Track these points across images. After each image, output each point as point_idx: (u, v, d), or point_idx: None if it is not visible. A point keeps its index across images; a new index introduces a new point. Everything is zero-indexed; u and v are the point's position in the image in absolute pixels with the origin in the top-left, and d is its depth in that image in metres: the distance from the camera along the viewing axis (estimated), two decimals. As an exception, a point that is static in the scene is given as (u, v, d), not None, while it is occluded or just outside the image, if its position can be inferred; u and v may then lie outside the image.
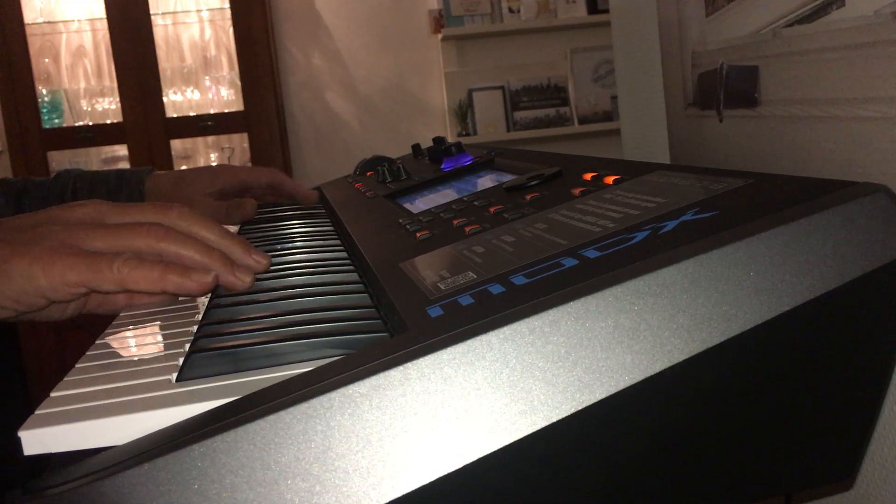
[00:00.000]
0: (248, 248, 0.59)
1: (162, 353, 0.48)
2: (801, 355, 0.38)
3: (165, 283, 0.54)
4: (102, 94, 3.17)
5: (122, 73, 3.00)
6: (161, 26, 3.15)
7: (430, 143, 1.08)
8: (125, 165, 3.14)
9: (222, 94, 3.22)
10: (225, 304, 0.58)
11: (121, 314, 0.62)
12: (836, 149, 0.53)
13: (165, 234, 0.55)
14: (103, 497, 0.33)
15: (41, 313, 0.57)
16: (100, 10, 3.02)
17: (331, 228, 0.90)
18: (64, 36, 3.17)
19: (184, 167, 3.20)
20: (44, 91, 3.11)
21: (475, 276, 0.44)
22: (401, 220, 0.68)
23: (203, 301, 0.61)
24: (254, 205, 1.03)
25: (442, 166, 0.93)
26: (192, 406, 0.38)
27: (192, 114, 3.17)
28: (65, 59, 3.19)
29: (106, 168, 3.19)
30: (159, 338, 0.53)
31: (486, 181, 0.81)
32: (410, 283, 0.48)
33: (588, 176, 0.60)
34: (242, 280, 0.57)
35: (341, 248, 0.76)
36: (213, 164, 3.26)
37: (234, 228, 0.97)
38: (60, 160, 3.16)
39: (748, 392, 0.38)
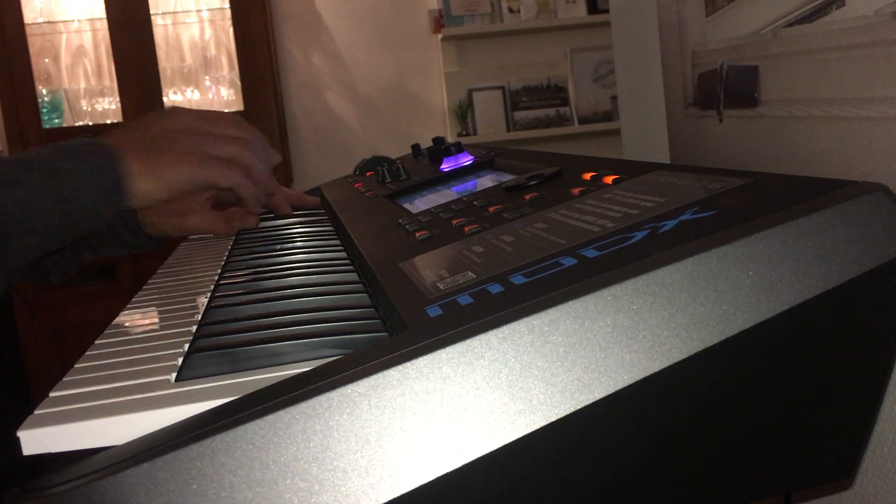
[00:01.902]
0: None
1: (161, 353, 0.48)
2: (800, 354, 0.38)
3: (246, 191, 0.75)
4: (102, 94, 3.16)
5: (122, 73, 3.00)
6: (161, 26, 3.15)
7: (430, 143, 1.08)
8: (125, 165, 3.13)
9: (222, 94, 3.21)
10: (225, 304, 0.58)
11: (120, 314, 0.62)
12: (835, 149, 0.53)
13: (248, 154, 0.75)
14: (103, 497, 0.33)
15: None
16: (100, 10, 3.01)
17: (330, 228, 0.90)
18: (64, 36, 3.17)
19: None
20: (44, 91, 3.10)
21: (474, 276, 0.44)
22: (400, 220, 0.68)
23: (203, 301, 0.61)
24: (256, 218, 1.01)
25: (441, 166, 0.93)
26: (192, 406, 0.38)
27: (192, 114, 3.16)
28: (65, 59, 3.18)
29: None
30: (159, 338, 0.53)
31: (485, 181, 0.81)
32: (410, 283, 0.47)
33: (587, 176, 0.60)
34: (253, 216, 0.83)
35: (341, 248, 0.76)
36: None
37: (231, 239, 0.97)
38: (60, 160, 3.16)
39: (747, 391, 0.38)
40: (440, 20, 3.24)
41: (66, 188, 0.62)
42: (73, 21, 3.16)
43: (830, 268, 0.37)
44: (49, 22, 3.13)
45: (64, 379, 0.45)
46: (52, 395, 0.42)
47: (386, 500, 0.34)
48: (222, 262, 0.78)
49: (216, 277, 0.70)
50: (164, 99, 3.08)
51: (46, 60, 3.15)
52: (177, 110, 0.77)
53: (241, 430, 0.33)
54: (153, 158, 0.68)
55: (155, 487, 0.33)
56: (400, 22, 3.32)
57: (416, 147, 1.18)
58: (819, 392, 0.39)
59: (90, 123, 3.12)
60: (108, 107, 3.16)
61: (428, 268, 0.50)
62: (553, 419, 0.34)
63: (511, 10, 3.26)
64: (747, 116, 0.64)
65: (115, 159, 0.66)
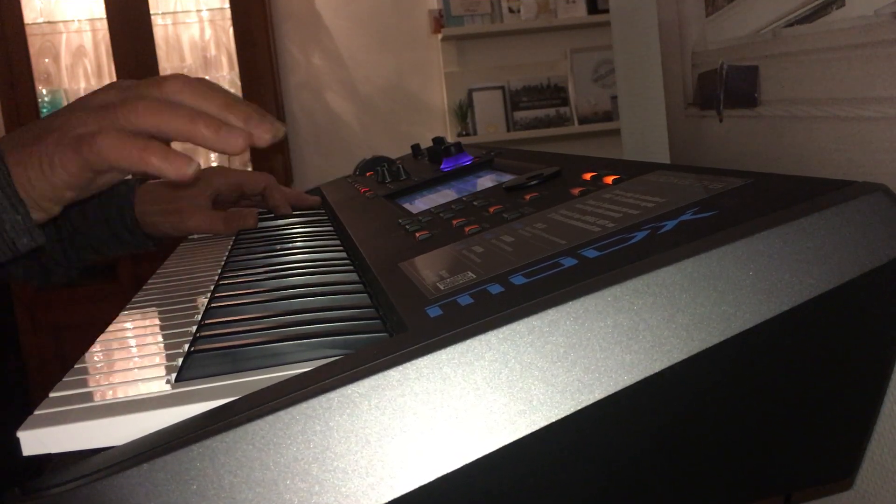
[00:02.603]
0: (253, 116, 0.55)
1: (161, 353, 0.48)
2: (800, 355, 0.38)
3: (146, 165, 0.53)
4: (102, 94, 3.16)
5: (122, 73, 3.00)
6: (161, 26, 3.15)
7: (430, 143, 1.08)
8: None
9: (222, 94, 3.21)
10: (224, 304, 0.58)
11: (120, 314, 0.62)
12: (836, 149, 0.53)
13: (154, 108, 0.54)
14: (102, 497, 0.33)
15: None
16: (100, 10, 3.02)
17: (330, 228, 0.90)
18: (64, 36, 3.17)
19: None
20: (44, 91, 3.10)
21: (474, 276, 0.44)
22: (400, 221, 0.68)
23: (203, 301, 0.61)
24: (255, 216, 1.01)
25: (441, 166, 0.93)
26: (191, 406, 0.38)
27: (192, 114, 3.17)
28: (65, 59, 3.19)
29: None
30: (159, 338, 0.53)
31: (485, 181, 0.81)
32: (410, 284, 0.47)
33: (587, 176, 0.60)
34: (228, 142, 0.53)
35: (341, 248, 0.76)
36: (213, 164, 3.26)
37: (231, 238, 0.97)
38: (60, 160, 3.16)
39: (747, 392, 0.38)
40: (440, 20, 3.24)
41: None
42: (73, 21, 3.16)
43: (831, 268, 0.37)
44: (49, 22, 3.13)
45: (64, 379, 0.45)
46: (52, 395, 0.42)
47: (386, 501, 0.34)
48: (222, 262, 0.78)
49: (216, 277, 0.70)
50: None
51: (46, 60, 3.15)
52: (97, 92, 0.59)
53: (241, 431, 0.33)
54: (27, 153, 0.55)
55: (155, 488, 0.33)
56: (400, 22, 3.32)
57: (416, 147, 1.18)
58: (819, 392, 0.39)
59: (90, 123, 3.12)
60: (108, 107, 3.15)
61: (428, 268, 0.50)
62: (553, 420, 0.34)
63: (511, 10, 3.26)
64: (747, 116, 0.64)
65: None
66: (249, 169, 3.06)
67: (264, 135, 0.54)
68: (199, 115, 0.54)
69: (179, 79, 0.56)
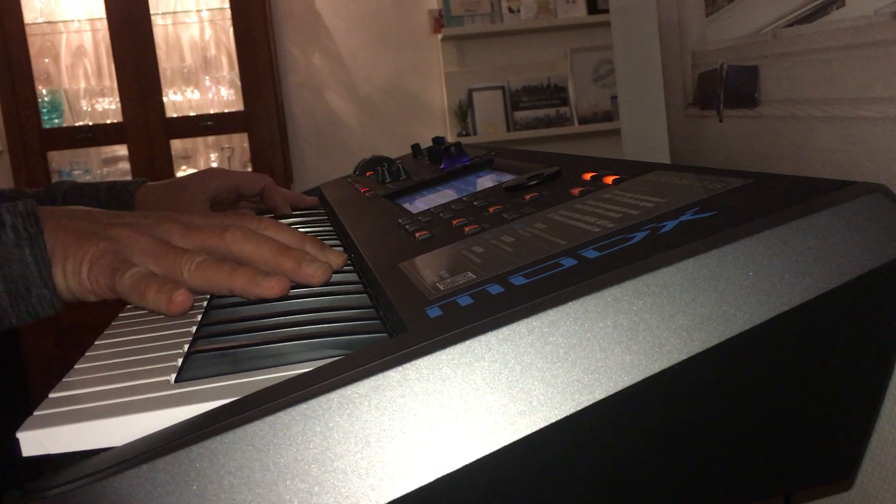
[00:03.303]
0: (323, 247, 0.60)
1: (161, 354, 0.48)
2: (800, 355, 0.38)
3: (233, 285, 0.53)
4: (102, 94, 3.16)
5: (122, 73, 3.00)
6: (161, 26, 3.15)
7: (430, 143, 1.08)
8: (125, 165, 3.14)
9: (222, 94, 3.21)
10: (224, 304, 0.58)
11: (120, 314, 0.62)
12: (836, 149, 0.53)
13: (243, 235, 0.56)
14: (102, 498, 0.33)
15: None
16: (100, 10, 3.02)
17: (330, 228, 0.90)
18: (64, 36, 3.17)
19: (181, 169, 3.20)
20: (44, 91, 3.10)
21: (474, 277, 0.44)
22: (400, 221, 0.68)
23: (203, 301, 0.61)
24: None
25: (442, 166, 0.93)
26: (191, 407, 0.38)
27: (192, 114, 3.17)
28: (65, 59, 3.19)
29: (105, 169, 3.19)
30: (159, 338, 0.53)
31: (485, 181, 0.81)
32: (410, 284, 0.47)
33: (587, 176, 0.60)
34: (314, 273, 0.55)
35: (341, 248, 0.76)
36: (213, 164, 3.26)
37: None
38: (60, 160, 3.16)
39: (747, 392, 0.38)
40: (440, 20, 3.24)
41: None
42: (73, 21, 3.16)
43: (831, 269, 0.37)
44: (49, 22, 3.13)
45: (64, 379, 0.45)
46: (51, 395, 0.42)
47: (386, 502, 0.34)
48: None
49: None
50: (165, 99, 3.08)
51: (46, 60, 3.15)
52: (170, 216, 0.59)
53: (241, 432, 0.33)
54: (73, 247, 0.55)
55: (155, 489, 0.33)
56: (400, 22, 3.32)
57: (416, 147, 1.18)
58: (819, 393, 0.39)
59: (90, 123, 3.12)
60: (108, 107, 3.16)
61: (428, 268, 0.50)
62: (553, 420, 0.34)
63: (511, 10, 3.26)
64: (747, 116, 0.64)
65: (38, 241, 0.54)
66: (249, 170, 3.06)
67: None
68: (285, 248, 0.56)
69: (241, 231, 0.56)
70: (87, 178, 3.17)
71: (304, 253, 0.56)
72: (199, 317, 0.56)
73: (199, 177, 1.04)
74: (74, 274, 0.55)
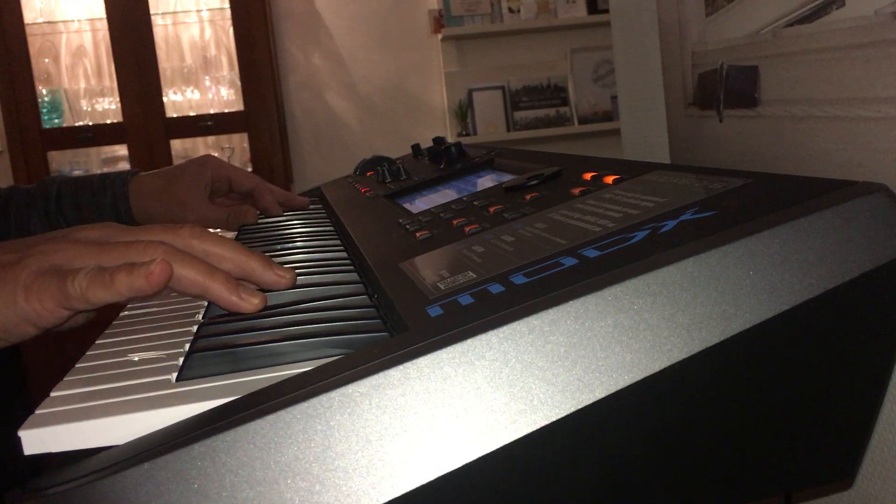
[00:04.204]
0: (269, 264, 0.53)
1: (162, 353, 0.48)
2: (800, 354, 0.38)
3: (117, 286, 0.47)
4: (102, 94, 3.16)
5: (122, 73, 3.00)
6: (161, 26, 3.15)
7: (430, 143, 1.08)
8: (125, 166, 3.14)
9: (222, 94, 3.21)
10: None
11: (120, 314, 0.62)
12: (836, 149, 0.53)
13: (164, 251, 0.49)
14: (103, 497, 0.33)
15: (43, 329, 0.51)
16: (100, 10, 3.02)
17: (331, 228, 0.90)
18: (64, 36, 3.17)
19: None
20: (44, 91, 3.10)
21: (475, 276, 0.44)
22: (401, 220, 0.68)
23: (203, 301, 0.61)
24: (255, 213, 1.01)
25: (442, 166, 0.93)
26: (192, 406, 0.38)
27: (192, 114, 3.17)
28: (65, 59, 3.19)
29: (105, 169, 3.19)
30: (159, 338, 0.53)
31: (485, 181, 0.81)
32: (410, 283, 0.48)
33: (588, 176, 0.60)
34: (248, 301, 0.50)
35: (341, 248, 0.76)
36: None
37: (231, 235, 0.97)
38: (60, 160, 3.16)
39: (747, 391, 0.38)
40: (440, 20, 3.24)
41: None
42: (73, 21, 3.16)
43: (831, 268, 0.37)
44: (49, 22, 3.13)
45: (65, 379, 0.45)
46: (52, 394, 0.42)
47: (387, 500, 0.34)
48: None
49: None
50: (165, 99, 3.08)
51: (46, 60, 3.15)
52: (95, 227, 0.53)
53: (242, 430, 0.33)
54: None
55: (156, 487, 0.33)
56: (400, 22, 3.32)
57: (416, 147, 1.18)
58: (819, 392, 0.39)
59: (90, 123, 3.12)
60: (108, 107, 3.16)
61: (428, 268, 0.50)
62: (554, 419, 0.34)
63: (511, 10, 3.26)
64: (747, 116, 0.64)
65: None
66: (249, 169, 3.06)
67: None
68: (215, 269, 0.50)
69: (188, 227, 0.52)
70: (87, 178, 3.16)
71: (248, 271, 0.52)
72: (200, 316, 0.56)
73: (195, 165, 1.02)
74: (8, 306, 0.47)
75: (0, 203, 1.01)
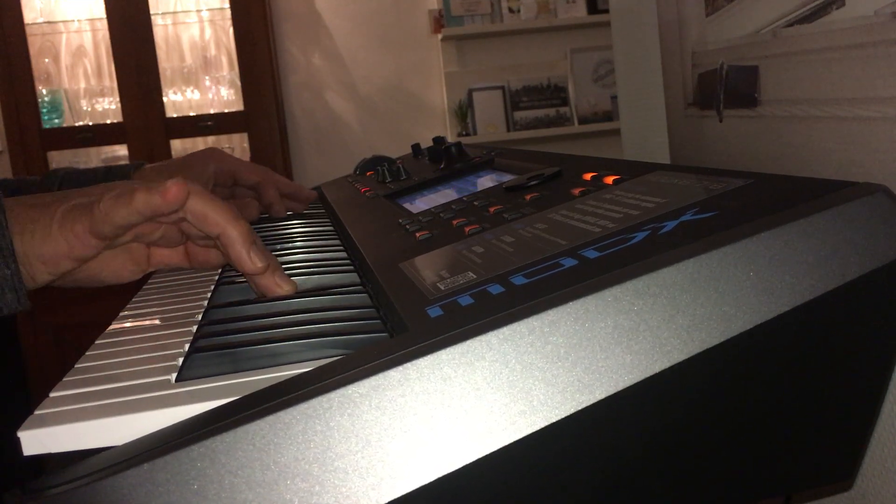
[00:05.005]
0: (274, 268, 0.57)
1: (162, 353, 0.48)
2: (800, 355, 0.38)
3: (136, 204, 0.51)
4: (102, 94, 3.16)
5: (122, 73, 3.00)
6: (161, 26, 3.15)
7: (430, 143, 1.08)
8: (125, 165, 3.13)
9: (222, 94, 3.21)
10: (225, 304, 0.58)
11: (120, 314, 0.62)
12: (836, 149, 0.53)
13: (188, 187, 0.53)
14: (102, 497, 0.33)
15: (90, 276, 0.57)
16: (100, 10, 3.01)
17: (331, 228, 0.90)
18: (64, 36, 3.17)
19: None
20: (44, 91, 3.10)
21: (475, 277, 0.44)
22: (400, 220, 0.68)
23: (203, 301, 0.61)
24: (257, 209, 1.00)
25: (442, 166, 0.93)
26: (192, 406, 0.38)
27: (192, 114, 3.17)
28: (65, 59, 3.18)
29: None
30: (159, 338, 0.53)
31: (485, 181, 0.81)
32: (410, 284, 0.47)
33: (588, 176, 0.60)
34: (254, 262, 0.54)
35: (341, 248, 0.76)
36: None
37: None
38: (60, 160, 3.16)
39: (748, 392, 0.38)
40: (440, 20, 3.24)
41: None
42: (73, 21, 3.16)
43: (831, 269, 0.37)
44: (49, 22, 3.13)
45: (64, 379, 0.45)
46: (52, 395, 0.42)
47: (387, 501, 0.34)
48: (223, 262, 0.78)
49: (216, 277, 0.70)
50: (165, 99, 3.08)
51: (46, 60, 3.15)
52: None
53: (241, 431, 0.33)
54: (35, 213, 0.54)
55: (155, 488, 0.33)
56: (400, 22, 3.32)
57: (416, 147, 1.18)
58: (819, 393, 0.39)
59: (90, 123, 3.12)
60: (108, 107, 3.16)
61: (428, 268, 0.50)
62: (554, 420, 0.34)
63: (511, 10, 3.26)
64: (747, 116, 0.64)
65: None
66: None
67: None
68: (239, 216, 0.54)
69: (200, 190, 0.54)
70: (87, 178, 3.15)
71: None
72: (200, 316, 0.56)
73: (198, 157, 1.01)
74: (44, 238, 0.52)
75: (8, 194, 1.01)
